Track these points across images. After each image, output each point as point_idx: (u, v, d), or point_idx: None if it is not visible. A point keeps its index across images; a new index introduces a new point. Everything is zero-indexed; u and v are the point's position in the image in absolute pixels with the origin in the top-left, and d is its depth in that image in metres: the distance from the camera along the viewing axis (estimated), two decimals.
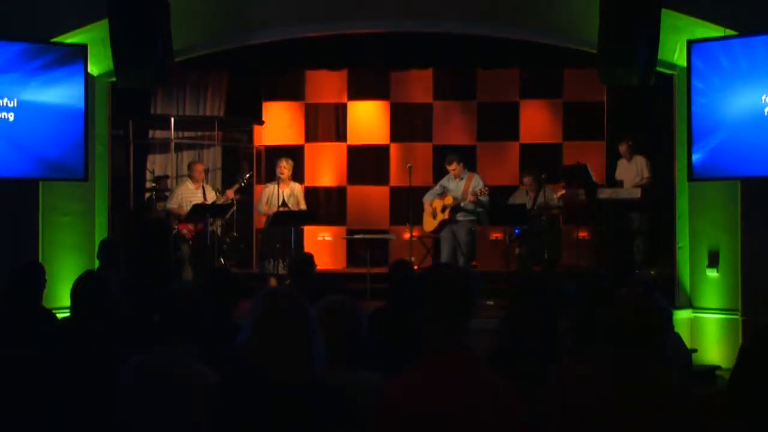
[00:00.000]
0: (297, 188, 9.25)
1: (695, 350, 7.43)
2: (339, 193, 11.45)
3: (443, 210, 8.95)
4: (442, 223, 8.97)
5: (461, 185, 8.90)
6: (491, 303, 7.41)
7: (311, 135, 11.49)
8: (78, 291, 3.84)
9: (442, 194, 9.04)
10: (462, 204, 8.85)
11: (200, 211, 8.65)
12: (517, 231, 8.95)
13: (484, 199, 8.74)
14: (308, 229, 9.96)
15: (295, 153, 10.71)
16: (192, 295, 3.18)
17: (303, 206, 9.16)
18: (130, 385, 3.10)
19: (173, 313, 3.11)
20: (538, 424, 2.51)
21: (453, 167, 8.95)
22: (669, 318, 2.73)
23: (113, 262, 6.21)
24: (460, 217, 8.90)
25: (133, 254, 8.57)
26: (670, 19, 7.46)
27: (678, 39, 7.74)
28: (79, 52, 7.59)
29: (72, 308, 3.87)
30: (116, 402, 3.09)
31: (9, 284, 4.70)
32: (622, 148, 9.38)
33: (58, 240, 7.88)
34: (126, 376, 3.11)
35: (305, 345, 2.44)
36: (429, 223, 9.18)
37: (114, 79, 7.83)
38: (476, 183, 8.83)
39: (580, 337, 3.45)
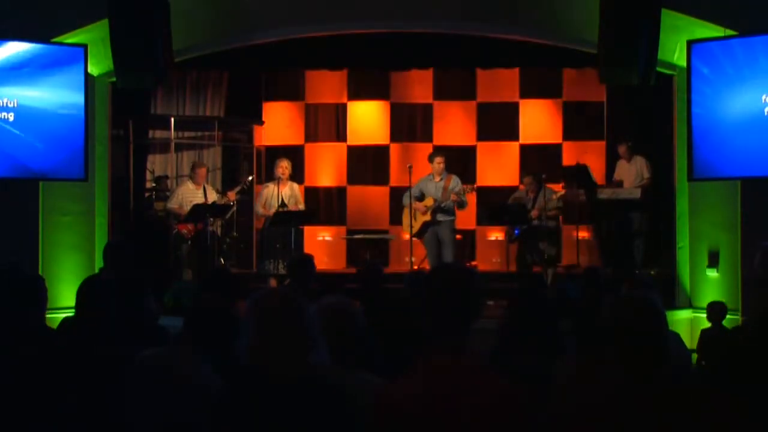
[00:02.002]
0: (296, 188, 9.25)
1: (695, 350, 7.43)
2: (339, 193, 11.45)
3: (425, 212, 8.92)
4: (425, 225, 8.94)
5: (440, 186, 8.90)
6: (491, 303, 7.41)
7: (311, 135, 11.48)
8: (82, 293, 3.87)
9: (420, 198, 9.02)
10: (442, 204, 8.85)
11: (200, 211, 8.65)
12: (517, 231, 8.94)
13: (464, 198, 8.80)
14: (308, 229, 9.95)
15: (295, 153, 10.71)
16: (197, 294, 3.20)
17: (302, 206, 9.17)
18: (132, 386, 3.11)
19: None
20: (540, 424, 2.51)
21: (439, 161, 8.95)
22: (664, 319, 2.72)
23: (117, 265, 6.19)
24: (440, 217, 8.90)
25: (132, 254, 8.54)
26: (670, 19, 7.46)
27: (678, 39, 7.74)
28: (79, 52, 7.59)
29: (76, 310, 3.90)
30: (118, 402, 3.09)
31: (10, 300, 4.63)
32: (621, 149, 9.36)
33: (58, 240, 7.88)
34: (127, 377, 3.12)
35: (305, 345, 2.44)
36: (408, 226, 9.12)
37: (114, 79, 7.83)
38: (456, 183, 8.88)
39: (580, 337, 3.45)
